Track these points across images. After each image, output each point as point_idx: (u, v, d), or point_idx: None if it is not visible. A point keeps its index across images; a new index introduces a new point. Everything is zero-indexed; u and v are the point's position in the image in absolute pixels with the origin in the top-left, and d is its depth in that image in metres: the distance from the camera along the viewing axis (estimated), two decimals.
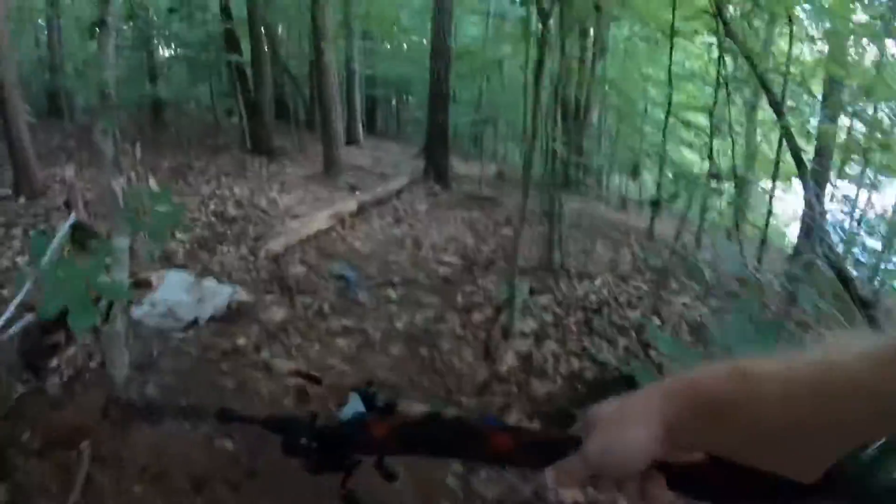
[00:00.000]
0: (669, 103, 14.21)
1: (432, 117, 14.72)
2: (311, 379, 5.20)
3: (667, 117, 14.25)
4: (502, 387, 5.73)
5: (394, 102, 29.16)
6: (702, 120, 17.62)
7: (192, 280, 6.19)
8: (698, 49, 15.55)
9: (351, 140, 20.04)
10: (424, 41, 26.10)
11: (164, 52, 21.55)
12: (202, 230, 8.62)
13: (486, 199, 13.62)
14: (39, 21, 21.82)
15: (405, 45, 28.13)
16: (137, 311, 5.59)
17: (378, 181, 13.95)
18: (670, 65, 14.05)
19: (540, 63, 7.10)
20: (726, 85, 11.33)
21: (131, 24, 17.60)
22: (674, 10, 11.88)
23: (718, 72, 10.97)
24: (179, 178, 11.75)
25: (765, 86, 8.21)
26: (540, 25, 7.98)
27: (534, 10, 15.45)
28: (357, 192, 11.93)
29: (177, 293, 5.82)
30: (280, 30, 22.91)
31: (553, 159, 7.41)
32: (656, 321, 8.12)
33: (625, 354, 6.89)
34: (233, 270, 7.16)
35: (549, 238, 9.29)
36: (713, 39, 13.72)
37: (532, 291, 8.05)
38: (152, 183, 8.29)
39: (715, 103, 10.73)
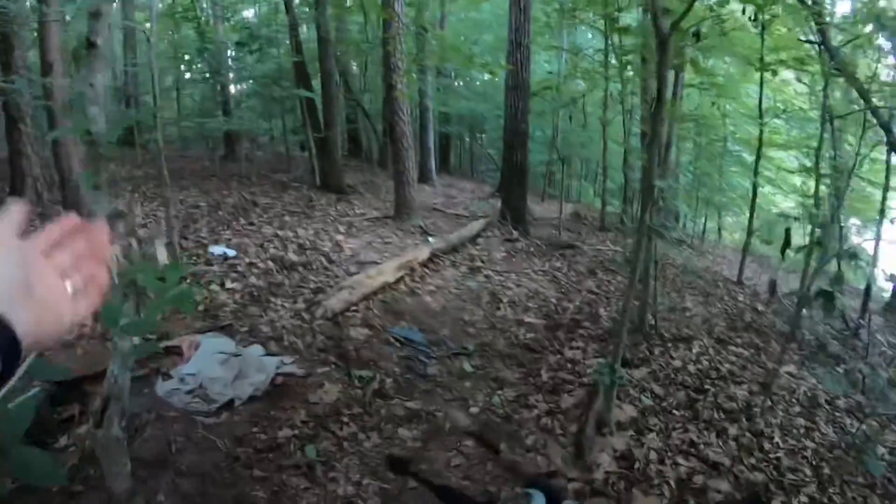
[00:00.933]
0: (761, 140, 12.88)
1: (507, 155, 13.48)
2: None
3: (758, 156, 12.91)
4: (598, 502, 4.44)
5: (467, 140, 28.05)
6: (786, 157, 16.35)
7: (232, 347, 5.06)
8: (777, 83, 14.03)
9: (424, 178, 18.99)
10: (496, 78, 25.52)
11: (236, 87, 21.06)
12: (257, 278, 7.51)
13: (567, 247, 12.34)
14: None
15: (478, 82, 27.14)
16: (163, 387, 4.52)
17: (452, 224, 12.82)
18: (760, 98, 12.74)
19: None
20: (831, 121, 9.97)
21: (202, 57, 17.09)
22: (762, 38, 10.59)
23: (824, 106, 9.61)
24: (242, 216, 10.76)
25: (881, 121, 6.85)
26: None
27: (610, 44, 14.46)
28: (429, 238, 10.78)
29: (212, 366, 4.71)
30: (354, 65, 22.11)
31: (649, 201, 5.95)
32: (764, 398, 6.77)
33: (738, 449, 5.57)
34: (284, 332, 6.01)
35: (643, 297, 7.95)
36: (794, 72, 12.56)
37: (626, 363, 6.75)
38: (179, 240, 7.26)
39: (821, 141, 9.26)
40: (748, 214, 13.58)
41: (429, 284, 8.53)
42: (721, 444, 5.56)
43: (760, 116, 12.62)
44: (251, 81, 19.00)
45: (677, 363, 7.20)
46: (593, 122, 22.09)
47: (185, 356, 4.79)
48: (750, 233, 13.46)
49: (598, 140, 21.39)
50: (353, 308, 6.98)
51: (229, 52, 17.94)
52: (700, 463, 5.16)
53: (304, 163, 15.79)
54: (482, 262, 10.10)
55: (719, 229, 22.29)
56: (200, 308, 6.20)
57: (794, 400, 6.93)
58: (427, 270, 9.06)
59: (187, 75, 21.20)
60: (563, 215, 16.68)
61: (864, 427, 6.79)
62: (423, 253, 9.23)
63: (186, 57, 19.14)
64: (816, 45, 9.40)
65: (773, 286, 11.51)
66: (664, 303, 8.78)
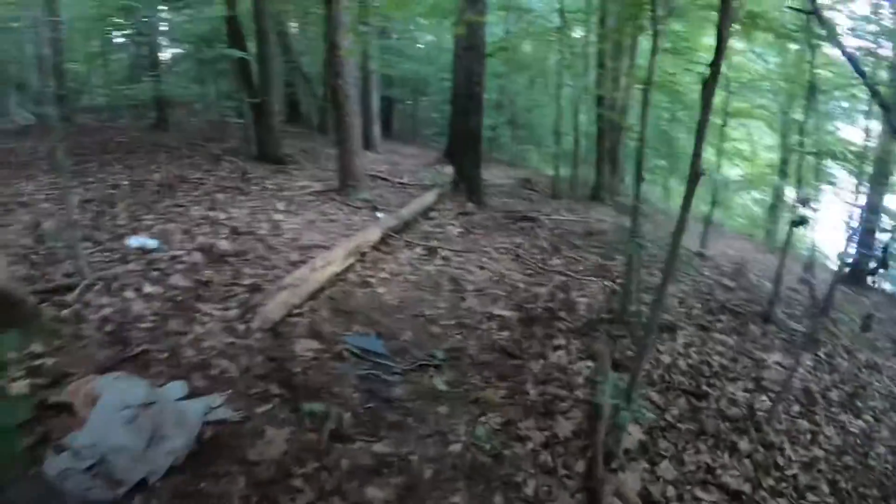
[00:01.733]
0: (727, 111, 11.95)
1: (460, 121, 12.26)
2: None
3: (724, 123, 12.02)
4: None
5: (409, 103, 26.59)
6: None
7: (143, 392, 3.75)
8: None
9: (367, 145, 17.54)
10: (439, 38, 24.11)
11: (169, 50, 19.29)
12: (182, 276, 6.19)
13: (525, 219, 11.22)
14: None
15: (421, 45, 25.68)
16: (53, 465, 3.24)
17: (400, 195, 11.61)
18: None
19: None
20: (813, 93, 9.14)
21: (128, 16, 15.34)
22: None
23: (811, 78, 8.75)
24: (168, 195, 9.35)
25: (880, 99, 5.86)
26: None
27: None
28: (378, 214, 9.54)
29: (115, 429, 3.44)
30: (294, 25, 20.38)
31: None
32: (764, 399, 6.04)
33: (755, 470, 4.80)
34: (213, 355, 4.74)
35: (626, 282, 6.94)
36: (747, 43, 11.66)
37: (616, 366, 5.76)
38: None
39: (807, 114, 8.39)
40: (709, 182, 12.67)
41: (382, 272, 7.33)
42: (736, 463, 4.76)
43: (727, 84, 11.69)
44: (183, 43, 17.41)
45: (666, 358, 6.33)
46: (541, 87, 20.97)
47: (78, 414, 3.50)
48: (714, 202, 12.58)
49: (549, 104, 20.46)
50: (297, 312, 5.75)
51: (158, 11, 16.24)
52: (721, 494, 4.36)
53: (240, 131, 14.22)
54: (438, 240, 8.91)
55: (666, 194, 21.43)
56: (107, 329, 4.88)
57: (791, 398, 6.24)
58: (379, 254, 7.87)
59: (118, 39, 19.42)
60: (514, 182, 15.65)
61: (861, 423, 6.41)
62: (374, 234, 8.00)
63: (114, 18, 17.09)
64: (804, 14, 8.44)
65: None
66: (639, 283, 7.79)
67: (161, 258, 6.63)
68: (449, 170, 16.03)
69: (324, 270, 6.37)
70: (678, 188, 21.76)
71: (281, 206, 9.44)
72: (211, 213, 8.56)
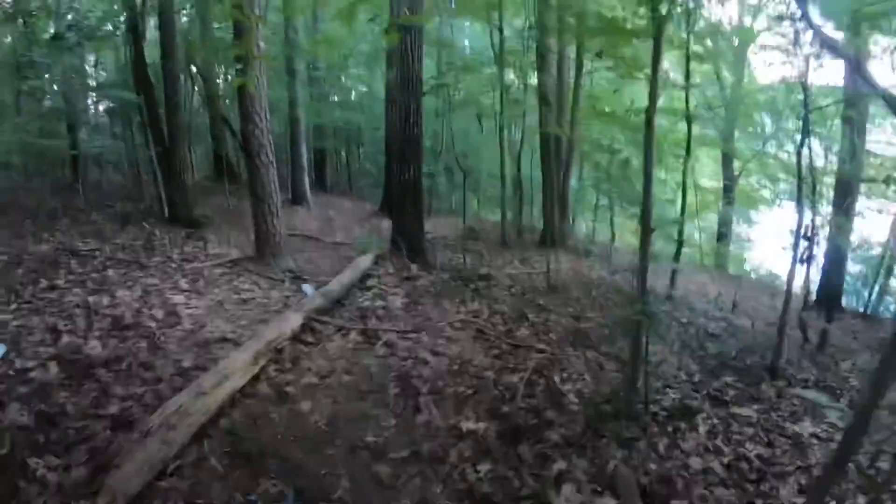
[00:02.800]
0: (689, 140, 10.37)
1: (397, 170, 10.07)
2: None
3: (688, 152, 10.45)
4: None
5: (343, 154, 24.55)
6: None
7: None
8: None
9: (297, 200, 15.57)
10: (371, 89, 22.37)
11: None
12: (21, 407, 4.09)
13: (479, 278, 9.25)
14: None
15: (353, 94, 23.87)
16: None
17: (333, 258, 9.63)
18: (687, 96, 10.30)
19: None
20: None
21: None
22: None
23: (806, 97, 7.19)
24: (46, 274, 7.22)
25: None
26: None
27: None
28: (305, 288, 7.47)
29: None
30: (222, 70, 18.23)
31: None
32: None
33: None
34: None
35: (632, 362, 5.06)
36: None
37: (646, 495, 3.86)
38: None
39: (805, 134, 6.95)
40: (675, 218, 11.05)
41: (306, 374, 5.26)
42: None
43: (688, 119, 10.12)
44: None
45: (696, 462, 4.46)
46: (476, 132, 19.24)
47: None
48: (681, 242, 10.86)
49: (488, 147, 18.72)
50: (175, 467, 3.63)
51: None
52: None
53: (155, 190, 12.01)
54: (379, 318, 6.87)
55: (612, 231, 19.74)
56: None
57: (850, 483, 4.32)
58: (302, 347, 5.78)
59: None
60: (457, 233, 13.76)
61: None
62: (294, 321, 5.86)
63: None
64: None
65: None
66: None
67: (5, 371, 4.50)
68: (387, 224, 14.08)
69: (218, 391, 4.26)
70: (625, 223, 20.18)
71: (184, 282, 7.34)
72: (92, 299, 6.43)
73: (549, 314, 8.02)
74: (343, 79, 22.17)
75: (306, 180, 15.98)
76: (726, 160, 15.53)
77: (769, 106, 12.71)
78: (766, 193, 17.42)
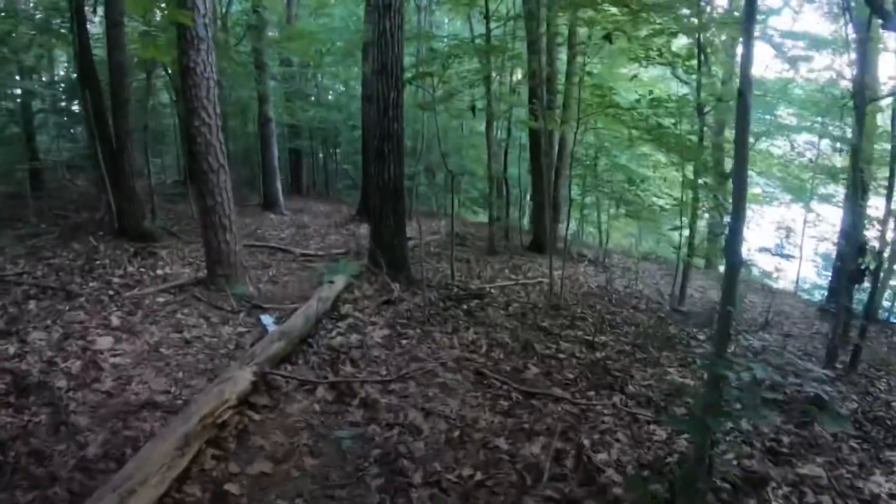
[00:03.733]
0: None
1: (376, 170, 8.22)
2: None
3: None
4: None
5: (321, 157, 22.81)
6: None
7: None
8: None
9: (269, 205, 13.92)
10: (348, 87, 20.78)
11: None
12: None
13: (470, 297, 7.71)
14: None
15: (330, 94, 22.21)
16: None
17: (301, 276, 7.98)
18: (699, 90, 8.88)
19: None
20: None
21: None
22: None
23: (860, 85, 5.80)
24: None
25: None
26: None
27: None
28: (265, 319, 5.87)
29: None
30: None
31: None
32: None
33: None
34: None
35: (701, 434, 3.54)
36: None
37: None
38: None
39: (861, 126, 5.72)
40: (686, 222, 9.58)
41: (256, 458, 3.67)
42: None
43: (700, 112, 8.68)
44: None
45: None
46: (455, 130, 17.64)
47: None
48: (692, 246, 9.43)
49: (471, 145, 17.22)
50: None
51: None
52: None
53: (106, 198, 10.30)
54: (354, 361, 5.24)
55: (605, 233, 18.18)
56: None
57: None
58: (253, 415, 4.14)
59: None
60: (441, 238, 12.23)
61: None
62: (241, 381, 4.14)
63: None
64: None
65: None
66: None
67: None
68: (365, 230, 12.46)
69: None
70: (614, 222, 18.67)
71: (117, 317, 5.71)
72: None
73: (558, 341, 6.53)
74: (319, 76, 20.51)
75: (278, 184, 14.31)
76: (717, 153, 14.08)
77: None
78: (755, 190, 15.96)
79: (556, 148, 12.75)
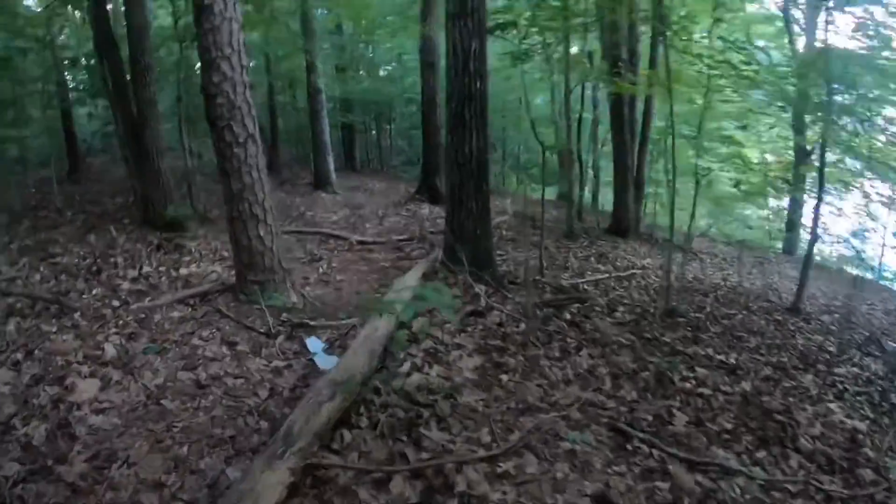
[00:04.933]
0: None
1: (452, 139, 6.04)
2: None
3: None
4: None
5: (373, 132, 21.00)
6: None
7: None
8: None
9: (320, 183, 12.15)
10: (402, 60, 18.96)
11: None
12: None
13: (569, 300, 5.86)
14: None
15: (382, 70, 20.37)
16: None
17: (360, 274, 6.22)
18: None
19: None
20: None
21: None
22: None
23: None
24: None
25: None
26: None
27: None
28: (312, 343, 4.08)
29: None
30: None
31: None
32: None
33: None
34: None
35: None
36: None
37: None
38: None
39: None
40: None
41: None
42: None
43: None
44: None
45: None
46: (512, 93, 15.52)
47: None
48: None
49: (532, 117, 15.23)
50: None
51: None
52: None
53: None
54: (441, 420, 3.36)
55: (691, 215, 15.91)
56: None
57: None
58: None
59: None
60: (509, 220, 10.37)
61: None
62: (272, 485, 2.37)
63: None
64: None
65: None
66: None
67: None
68: (427, 211, 10.64)
69: None
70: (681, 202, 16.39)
71: (113, 345, 4.01)
72: None
73: (694, 366, 4.67)
74: (370, 49, 18.70)
75: (330, 160, 12.51)
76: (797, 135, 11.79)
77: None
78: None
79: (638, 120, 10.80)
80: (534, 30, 7.31)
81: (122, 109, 7.31)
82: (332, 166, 12.51)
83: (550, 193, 17.68)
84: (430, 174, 11.86)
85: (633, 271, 8.25)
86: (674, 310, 6.26)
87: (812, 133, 10.40)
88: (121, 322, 4.39)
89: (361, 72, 18.56)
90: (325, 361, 3.78)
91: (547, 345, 4.74)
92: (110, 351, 3.92)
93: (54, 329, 4.25)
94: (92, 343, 4.02)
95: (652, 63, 10.18)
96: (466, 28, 5.57)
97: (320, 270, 6.29)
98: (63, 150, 11.62)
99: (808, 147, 10.79)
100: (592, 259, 8.64)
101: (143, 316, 4.51)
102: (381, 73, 20.19)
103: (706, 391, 4.26)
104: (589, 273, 7.70)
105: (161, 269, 5.74)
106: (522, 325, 4.97)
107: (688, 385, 4.33)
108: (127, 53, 7.32)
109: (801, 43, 12.54)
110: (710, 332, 5.90)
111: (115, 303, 4.80)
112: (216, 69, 4.31)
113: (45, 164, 10.75)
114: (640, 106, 10.70)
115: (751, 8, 12.75)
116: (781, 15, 12.68)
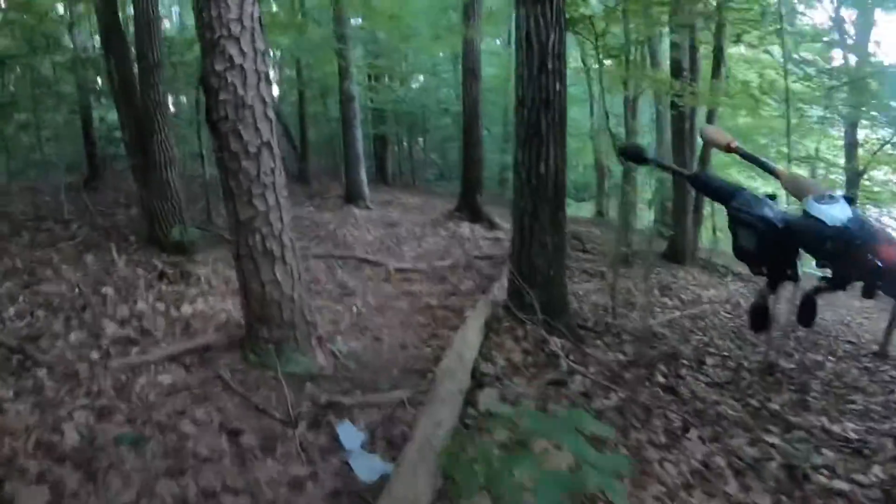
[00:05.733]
0: None
1: (522, 157, 4.60)
2: None
3: None
4: None
5: (404, 144, 19.95)
6: None
7: None
8: None
9: (352, 197, 10.99)
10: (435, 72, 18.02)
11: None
12: None
13: (657, 355, 4.63)
14: None
15: (415, 83, 19.46)
16: None
17: (401, 314, 5.03)
18: None
19: None
20: None
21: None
22: None
23: None
24: None
25: None
26: None
27: None
28: (345, 440, 2.86)
29: None
30: None
31: None
32: None
33: None
34: None
35: None
36: None
37: None
38: None
39: None
40: None
41: None
42: None
43: None
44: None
45: None
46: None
47: None
48: None
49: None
50: None
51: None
52: None
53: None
54: None
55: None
56: None
57: None
58: None
59: None
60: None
61: None
62: None
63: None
64: None
65: None
66: None
67: None
68: (467, 230, 9.46)
69: None
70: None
71: (73, 428, 2.82)
72: None
73: (819, 447, 3.46)
74: (406, 57, 17.74)
75: (363, 173, 11.33)
76: (850, 150, 10.46)
77: None
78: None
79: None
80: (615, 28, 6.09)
81: (129, 111, 6.19)
82: (364, 179, 11.35)
83: (584, 210, 16.50)
84: (470, 190, 10.64)
85: (703, 306, 7.05)
86: (773, 364, 5.02)
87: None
88: (95, 387, 3.21)
89: (396, 82, 17.58)
90: (365, 469, 2.57)
91: (646, 423, 3.50)
92: (71, 437, 2.73)
93: (10, 393, 3.10)
94: (52, 420, 2.85)
95: (715, 70, 9.13)
96: (544, 16, 4.27)
97: (354, 310, 5.03)
98: (83, 155, 10.66)
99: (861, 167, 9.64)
100: (657, 291, 7.40)
101: (123, 379, 3.32)
102: (413, 84, 19.24)
103: (843, 486, 3.02)
104: (658, 310, 6.49)
105: (159, 305, 4.54)
106: (613, 396, 3.73)
107: (822, 479, 3.09)
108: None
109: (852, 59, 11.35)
110: (813, 392, 4.64)
111: (94, 355, 3.62)
112: (220, 53, 3.06)
113: (70, 170, 9.82)
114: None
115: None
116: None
